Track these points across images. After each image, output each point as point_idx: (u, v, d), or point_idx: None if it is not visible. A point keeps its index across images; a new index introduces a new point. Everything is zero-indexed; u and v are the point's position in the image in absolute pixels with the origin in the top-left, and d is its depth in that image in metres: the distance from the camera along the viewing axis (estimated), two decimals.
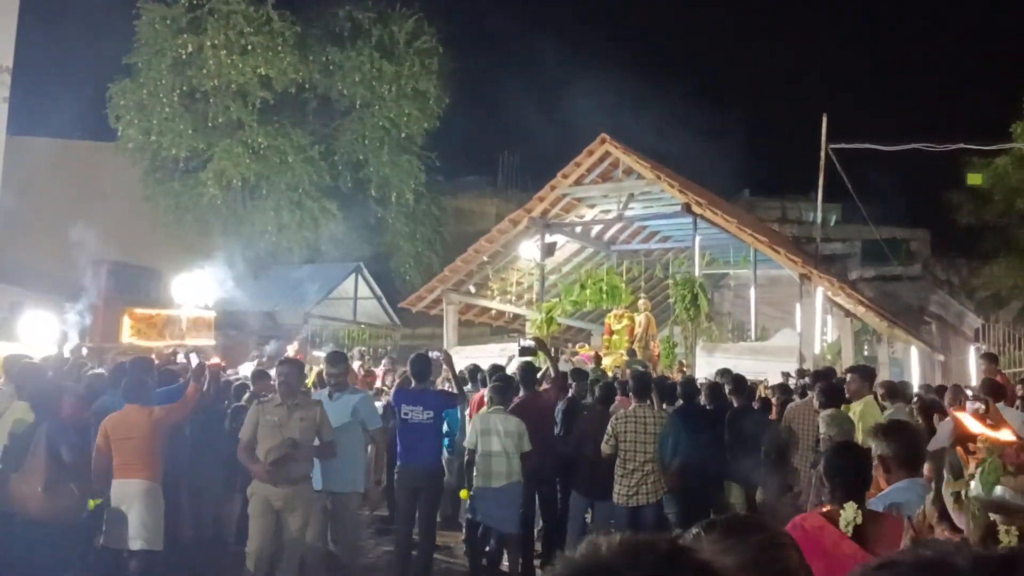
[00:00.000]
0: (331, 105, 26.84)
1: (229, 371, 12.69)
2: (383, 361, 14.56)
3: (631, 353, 16.40)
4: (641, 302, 18.38)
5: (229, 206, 25.43)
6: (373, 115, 26.03)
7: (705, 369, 15.00)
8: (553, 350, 13.86)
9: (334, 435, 6.71)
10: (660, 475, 7.51)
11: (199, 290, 16.74)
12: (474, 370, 10.34)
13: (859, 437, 6.87)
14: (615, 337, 17.79)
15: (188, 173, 25.50)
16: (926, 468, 3.49)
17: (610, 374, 12.68)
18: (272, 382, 8.04)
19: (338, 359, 7.38)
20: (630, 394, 8.14)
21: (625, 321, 17.85)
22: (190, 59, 24.13)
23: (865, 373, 7.86)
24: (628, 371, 12.25)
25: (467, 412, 8.74)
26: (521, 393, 8.19)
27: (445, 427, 8.43)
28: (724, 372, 10.06)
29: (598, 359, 14.44)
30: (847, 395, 7.42)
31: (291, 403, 6.51)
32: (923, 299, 26.22)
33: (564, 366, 11.22)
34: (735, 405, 8.56)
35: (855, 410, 7.20)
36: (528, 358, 8.99)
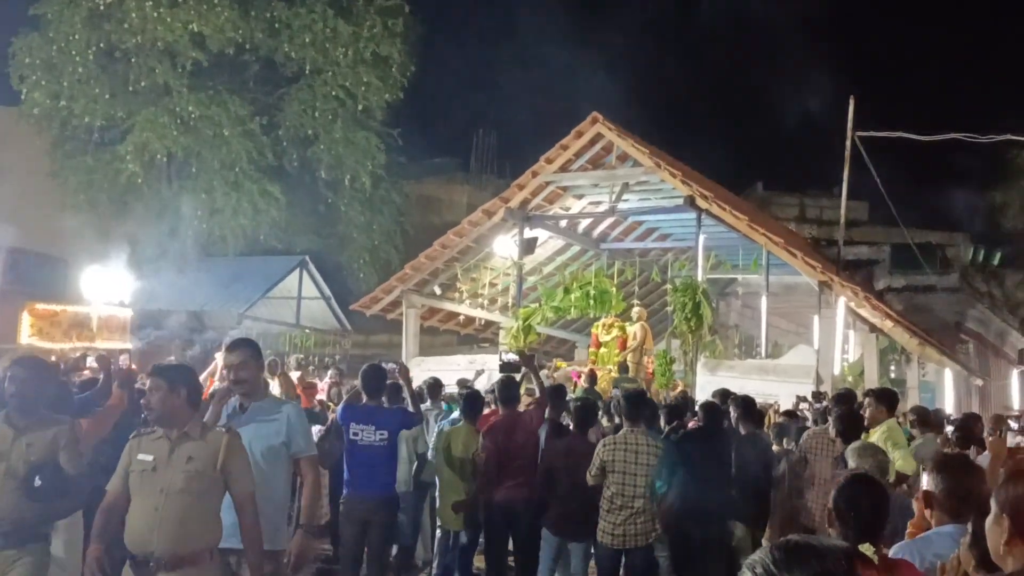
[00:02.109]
0: (275, 70, 26.69)
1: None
2: (329, 372, 14.48)
3: (623, 368, 16.43)
4: (636, 310, 18.43)
5: (152, 186, 25.20)
6: (325, 83, 25.93)
7: (707, 389, 15.06)
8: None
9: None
10: (652, 513, 7.50)
11: (113, 284, 16.59)
12: (434, 385, 10.29)
13: (908, 466, 6.92)
14: (603, 350, 17.83)
15: (104, 146, 25.26)
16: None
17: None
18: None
19: (243, 346, 5.64)
20: (621, 417, 8.13)
21: (615, 332, 17.91)
22: (109, 11, 23.92)
23: (883, 396, 7.92)
24: (616, 390, 12.28)
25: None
26: (499, 411, 8.20)
27: (404, 450, 8.39)
28: (724, 394, 10.07)
29: (593, 377, 14.48)
30: (864, 422, 7.47)
31: (177, 434, 4.67)
32: (960, 314, 26.52)
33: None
34: (742, 432, 8.58)
35: (879, 433, 7.23)
36: (509, 374, 8.99)
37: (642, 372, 17.24)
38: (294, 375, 13.48)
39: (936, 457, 3.89)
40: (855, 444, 6.40)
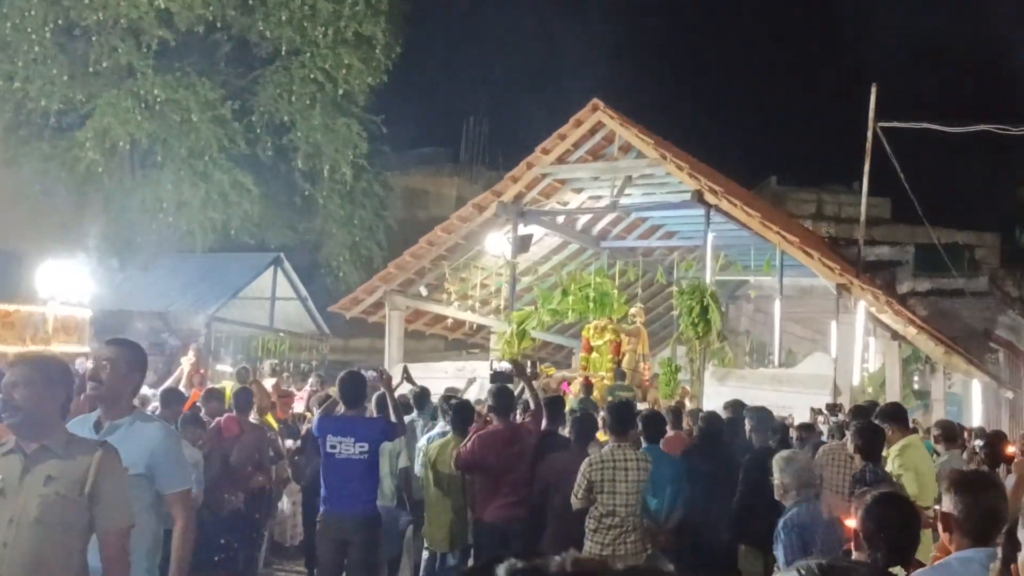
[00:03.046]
0: (249, 50, 26.67)
1: None
2: (310, 379, 14.48)
3: (619, 375, 16.38)
4: (633, 310, 18.37)
5: (113, 176, 25.15)
6: (303, 65, 25.91)
7: (715, 401, 15.07)
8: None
9: None
10: (644, 531, 7.52)
11: (71, 282, 16.54)
12: (421, 394, 10.29)
13: (912, 489, 6.94)
14: (595, 355, 17.75)
15: (62, 131, 25.21)
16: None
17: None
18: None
19: (112, 344, 4.81)
20: (608, 430, 8.15)
21: (608, 335, 17.80)
22: None
23: (888, 416, 7.91)
24: (612, 398, 12.28)
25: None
26: (491, 423, 8.21)
27: (385, 465, 8.38)
28: (736, 405, 10.09)
29: (588, 387, 14.44)
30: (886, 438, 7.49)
31: (35, 449, 3.85)
32: (989, 320, 26.59)
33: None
34: (754, 446, 8.59)
35: (892, 456, 7.25)
36: (503, 384, 8.98)
37: (638, 378, 17.17)
38: (268, 383, 13.47)
39: (952, 475, 3.88)
40: (782, 453, 6.49)
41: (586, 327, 18.56)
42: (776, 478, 6.09)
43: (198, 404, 10.02)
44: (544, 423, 8.55)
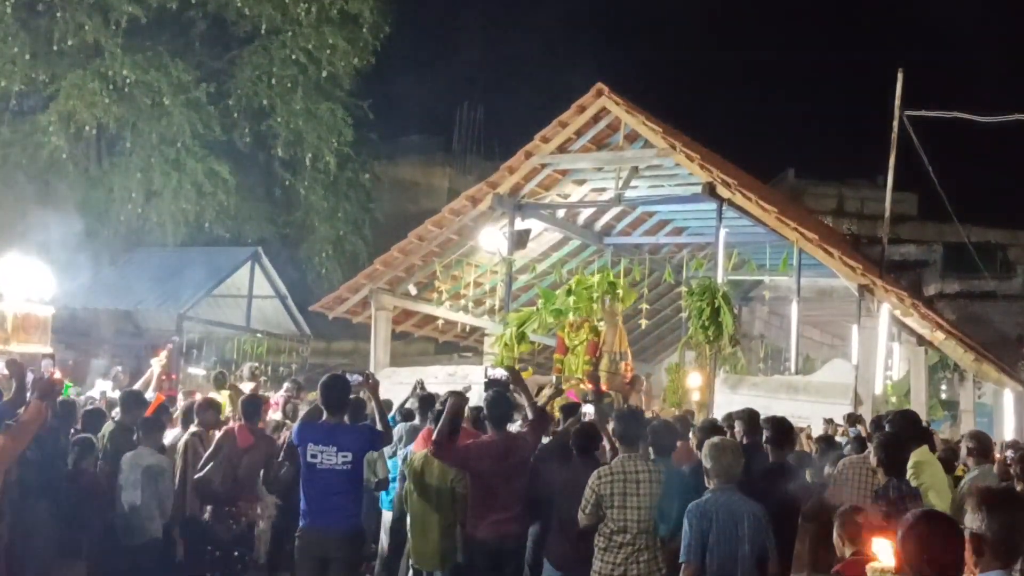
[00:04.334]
0: (226, 29, 26.66)
1: (74, 391, 12.56)
2: (285, 384, 14.46)
3: (593, 379, 15.89)
4: (609, 304, 18.00)
5: (78, 163, 25.15)
6: (284, 45, 25.91)
7: (726, 410, 15.06)
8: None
9: None
10: (657, 550, 7.52)
11: (32, 278, 16.49)
12: (426, 399, 10.27)
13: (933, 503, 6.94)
14: (571, 357, 17.52)
15: (23, 115, 25.19)
16: None
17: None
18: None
19: None
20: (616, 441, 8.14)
21: (585, 334, 17.53)
22: None
23: (906, 423, 7.92)
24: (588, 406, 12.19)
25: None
26: (484, 432, 8.20)
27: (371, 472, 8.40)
28: (747, 417, 9.97)
29: (598, 392, 14.33)
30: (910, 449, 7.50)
31: None
32: (1023, 325, 26.60)
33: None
34: (770, 459, 8.59)
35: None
36: (500, 391, 8.96)
37: (618, 381, 16.84)
38: (247, 387, 13.43)
39: (982, 493, 3.86)
40: (712, 440, 6.70)
41: (560, 326, 18.26)
42: (704, 462, 6.56)
43: (168, 409, 10.00)
44: (551, 434, 8.56)
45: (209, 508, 9.05)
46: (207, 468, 8.92)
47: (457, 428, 7.98)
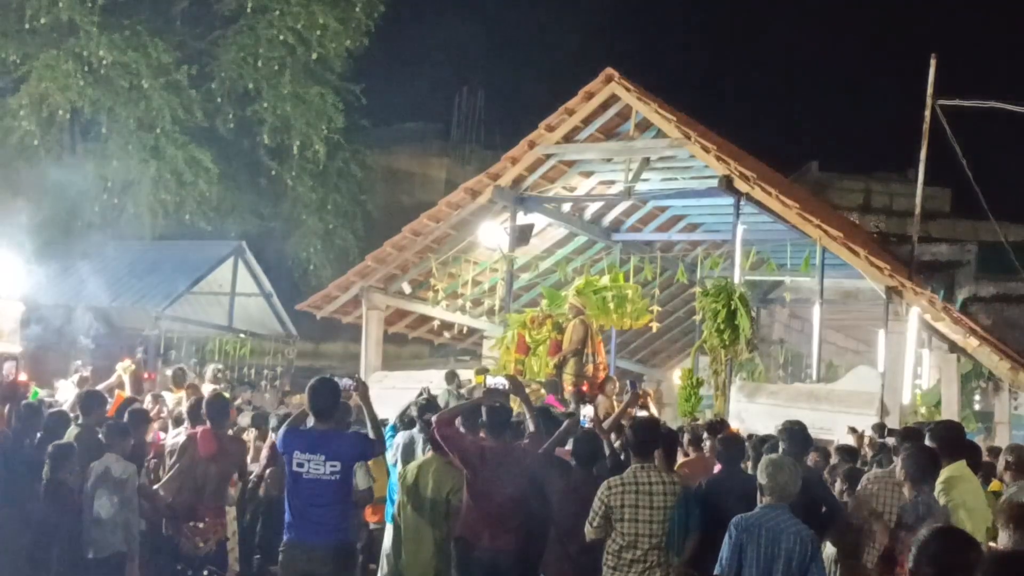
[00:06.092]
0: (209, 7, 26.68)
1: (44, 393, 12.58)
2: (268, 386, 14.47)
3: (551, 387, 15.48)
4: (573, 299, 17.66)
5: (51, 149, 25.15)
6: (271, 25, 25.92)
7: (743, 419, 15.07)
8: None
9: None
10: (670, 568, 7.52)
11: None
12: (428, 404, 10.28)
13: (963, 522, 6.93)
14: (532, 356, 17.29)
15: None
16: None
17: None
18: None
19: None
20: (629, 452, 8.17)
21: (547, 331, 17.28)
22: None
23: (946, 437, 7.85)
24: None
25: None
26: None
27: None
28: (796, 432, 9.89)
29: (581, 396, 14.30)
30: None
31: None
32: None
33: None
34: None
35: (936, 490, 7.22)
36: (499, 400, 9.00)
37: (582, 383, 16.50)
38: (207, 388, 13.39)
39: (1010, 508, 3.87)
40: (770, 457, 6.70)
41: (519, 323, 17.83)
42: (759, 477, 6.61)
43: (138, 410, 9.94)
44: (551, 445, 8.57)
45: (168, 524, 8.93)
46: (163, 480, 8.85)
47: (469, 418, 8.27)
